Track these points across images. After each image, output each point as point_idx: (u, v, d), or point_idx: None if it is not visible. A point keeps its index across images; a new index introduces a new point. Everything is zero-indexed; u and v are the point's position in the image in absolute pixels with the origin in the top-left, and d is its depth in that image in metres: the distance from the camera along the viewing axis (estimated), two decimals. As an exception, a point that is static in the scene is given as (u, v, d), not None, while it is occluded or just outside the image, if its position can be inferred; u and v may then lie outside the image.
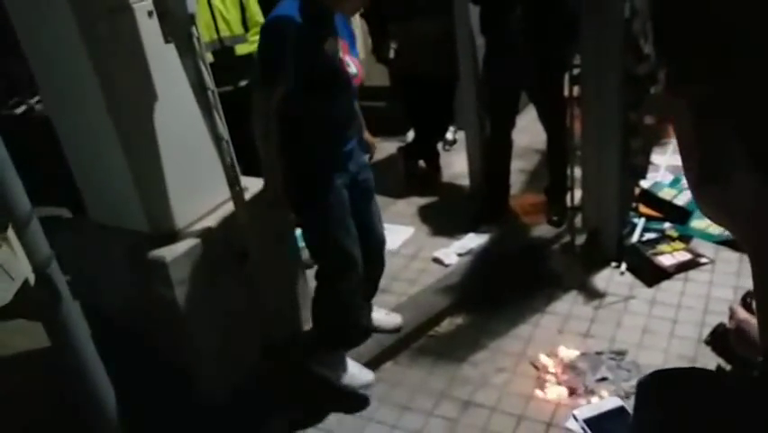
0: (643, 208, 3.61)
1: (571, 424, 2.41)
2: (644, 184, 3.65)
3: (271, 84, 2.28)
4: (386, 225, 2.90)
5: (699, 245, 3.33)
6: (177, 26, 2.14)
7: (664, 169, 3.95)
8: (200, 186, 2.49)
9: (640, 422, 0.42)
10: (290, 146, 2.38)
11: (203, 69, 2.20)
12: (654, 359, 2.67)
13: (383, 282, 3.00)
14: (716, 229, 3.30)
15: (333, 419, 2.60)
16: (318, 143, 2.42)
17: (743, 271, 3.07)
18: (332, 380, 2.66)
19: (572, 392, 2.56)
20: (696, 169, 0.39)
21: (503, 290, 3.20)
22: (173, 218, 2.42)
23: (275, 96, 2.27)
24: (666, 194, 3.66)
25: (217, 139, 2.30)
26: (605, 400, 2.49)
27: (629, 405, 2.42)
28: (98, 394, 1.94)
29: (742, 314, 1.07)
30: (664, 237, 3.41)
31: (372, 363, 2.79)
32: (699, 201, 0.42)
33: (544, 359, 2.74)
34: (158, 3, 2.13)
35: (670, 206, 3.59)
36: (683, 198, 3.58)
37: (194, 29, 2.14)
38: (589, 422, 2.38)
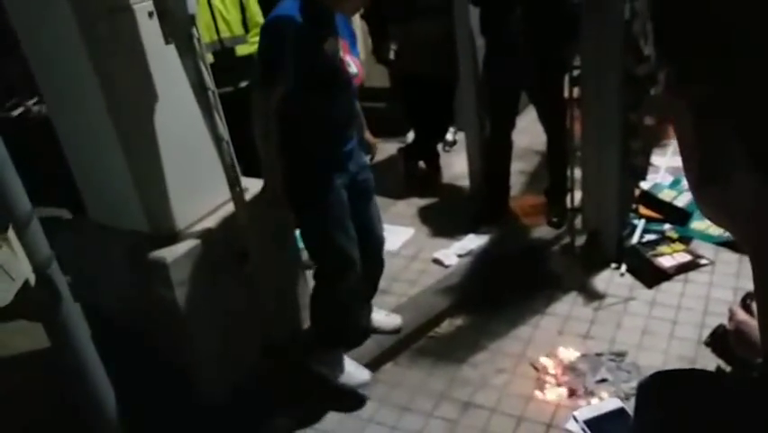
0: (643, 210, 3.61)
1: (571, 425, 2.41)
2: (644, 185, 3.65)
3: (271, 83, 2.28)
4: (386, 226, 2.90)
5: (699, 247, 3.33)
6: (177, 27, 2.14)
7: (664, 170, 3.95)
8: (200, 186, 2.49)
9: (641, 423, 0.42)
10: (290, 146, 2.38)
11: (203, 69, 2.20)
12: (654, 360, 2.67)
13: (383, 283, 3.00)
14: (716, 230, 3.30)
15: (334, 419, 2.60)
16: (318, 143, 2.42)
17: (742, 272, 3.08)
18: (330, 378, 2.66)
19: (572, 394, 2.56)
20: (696, 169, 0.39)
21: (503, 292, 3.20)
22: (173, 219, 2.42)
23: (275, 96, 2.27)
24: (666, 195, 3.66)
25: (217, 140, 2.30)
26: (605, 402, 2.49)
27: (629, 406, 2.42)
28: (98, 395, 1.94)
29: (741, 315, 1.07)
30: (664, 239, 3.41)
31: (372, 365, 2.79)
32: (699, 202, 0.42)
33: (543, 360, 2.74)
34: (158, 3, 2.13)
35: (670, 207, 3.59)
36: (683, 199, 3.58)
37: (194, 30, 2.14)
38: (590, 423, 2.38)
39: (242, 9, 3.40)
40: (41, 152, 2.81)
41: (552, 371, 2.69)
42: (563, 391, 2.58)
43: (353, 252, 2.51)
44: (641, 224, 3.51)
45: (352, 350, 2.80)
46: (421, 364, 2.85)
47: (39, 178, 2.26)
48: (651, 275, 3.16)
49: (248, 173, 2.64)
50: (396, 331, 2.95)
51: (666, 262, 3.21)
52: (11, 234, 1.58)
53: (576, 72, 3.15)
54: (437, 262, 3.47)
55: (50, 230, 1.76)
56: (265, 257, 2.58)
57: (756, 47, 0.33)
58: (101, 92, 2.21)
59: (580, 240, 3.42)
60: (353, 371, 2.69)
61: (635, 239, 3.41)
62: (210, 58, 2.93)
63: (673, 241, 3.38)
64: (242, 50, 3.41)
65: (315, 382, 2.66)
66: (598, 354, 2.73)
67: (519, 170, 4.14)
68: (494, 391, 2.64)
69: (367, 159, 2.70)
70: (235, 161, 2.38)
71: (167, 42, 2.18)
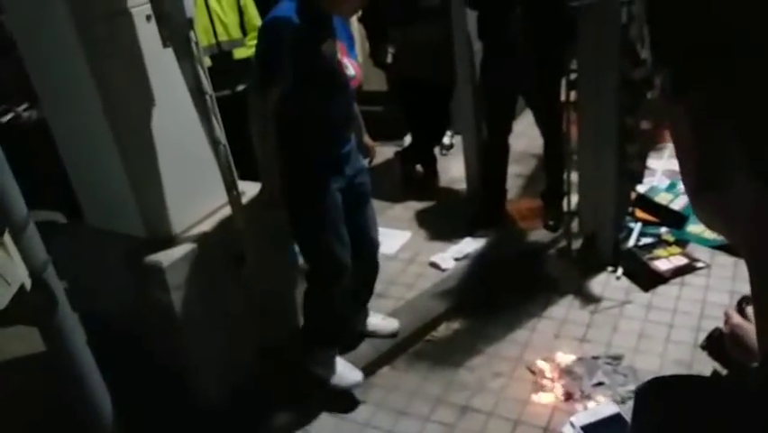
0: (639, 213, 3.62)
1: (568, 430, 2.41)
2: (641, 189, 3.65)
3: (268, 85, 2.28)
4: (383, 230, 2.90)
5: (696, 250, 3.34)
6: (175, 30, 2.14)
7: (661, 173, 3.96)
8: (197, 190, 2.49)
9: (639, 427, 0.42)
10: (288, 147, 2.37)
11: (201, 73, 2.20)
12: (651, 364, 2.68)
13: (380, 287, 2.99)
14: (712, 234, 3.28)
15: (329, 423, 2.60)
16: (316, 144, 2.42)
17: (739, 275, 3.08)
18: (324, 379, 2.66)
19: (569, 397, 2.56)
20: (694, 172, 0.39)
21: (500, 295, 3.20)
22: (170, 223, 2.42)
23: (272, 97, 2.27)
24: (662, 198, 3.67)
25: (215, 143, 2.30)
26: (601, 407, 2.48)
27: (625, 410, 2.42)
28: (94, 399, 1.93)
29: (737, 319, 1.07)
30: (660, 242, 3.41)
31: (369, 368, 2.79)
32: (695, 206, 0.42)
33: (540, 364, 2.75)
34: (156, 7, 2.13)
35: (666, 210, 3.59)
36: (679, 202, 3.59)
37: (192, 33, 2.14)
38: (587, 429, 2.38)
39: (240, 12, 3.40)
40: (33, 156, 2.80)
41: (548, 374, 2.69)
42: (560, 394, 2.58)
43: (346, 258, 2.51)
44: (637, 227, 3.51)
45: (347, 352, 2.80)
46: (418, 368, 2.85)
47: (33, 180, 2.25)
48: (647, 278, 3.17)
49: (245, 177, 2.64)
50: (393, 335, 2.94)
51: (662, 265, 3.22)
52: (7, 238, 1.57)
53: (573, 76, 3.15)
54: (434, 265, 3.47)
55: (46, 234, 1.76)
56: (262, 260, 2.58)
57: (756, 46, 0.33)
58: (98, 95, 2.21)
59: (577, 243, 3.42)
60: (345, 372, 2.68)
61: (631, 242, 3.41)
62: (208, 61, 2.93)
63: (670, 244, 3.38)
64: (239, 53, 3.41)
65: (314, 383, 2.65)
66: (595, 358, 2.74)
67: (516, 173, 4.14)
68: (491, 395, 2.64)
69: (365, 162, 2.70)
70: (232, 164, 2.38)
71: (165, 46, 2.17)
